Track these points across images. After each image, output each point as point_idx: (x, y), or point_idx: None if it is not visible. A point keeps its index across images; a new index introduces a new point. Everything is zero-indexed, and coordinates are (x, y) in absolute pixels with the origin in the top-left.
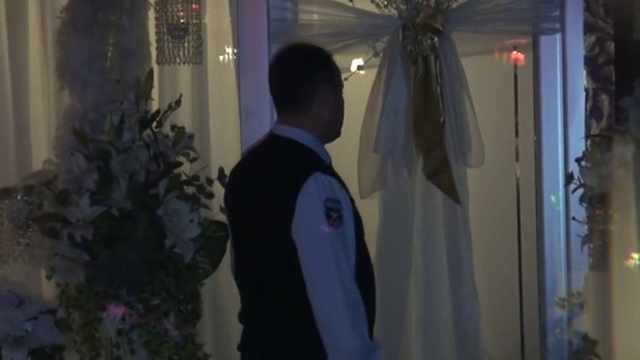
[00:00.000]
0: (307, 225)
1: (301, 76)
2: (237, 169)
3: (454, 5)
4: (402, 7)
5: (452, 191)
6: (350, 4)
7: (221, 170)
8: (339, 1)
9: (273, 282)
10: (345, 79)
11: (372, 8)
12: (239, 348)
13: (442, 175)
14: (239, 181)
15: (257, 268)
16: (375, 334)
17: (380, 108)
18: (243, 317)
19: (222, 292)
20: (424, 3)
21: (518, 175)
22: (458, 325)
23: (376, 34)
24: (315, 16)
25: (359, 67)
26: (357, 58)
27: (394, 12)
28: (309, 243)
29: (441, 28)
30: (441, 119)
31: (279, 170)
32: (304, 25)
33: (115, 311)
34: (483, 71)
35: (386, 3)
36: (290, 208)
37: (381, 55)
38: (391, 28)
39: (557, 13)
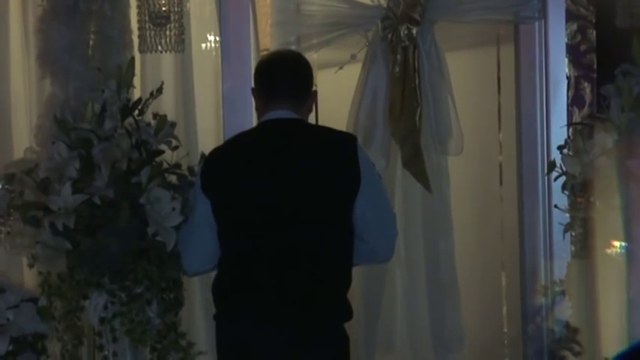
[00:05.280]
0: (372, 175)
1: (311, 75)
2: (249, 153)
3: None
4: None
5: (424, 179)
6: None
7: (203, 156)
8: None
9: (329, 245)
10: (340, 67)
11: None
12: (215, 317)
13: (416, 164)
14: (262, 163)
15: (308, 238)
16: (356, 319)
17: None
18: (262, 289)
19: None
20: None
21: (500, 163)
22: (438, 312)
23: (366, 23)
24: (315, 7)
25: (352, 56)
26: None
27: (383, 1)
28: (376, 184)
29: (418, 18)
30: (418, 110)
31: (331, 140)
32: (305, 15)
33: None
34: (466, 61)
35: None
36: (355, 166)
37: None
38: (379, 18)
39: (538, 1)
